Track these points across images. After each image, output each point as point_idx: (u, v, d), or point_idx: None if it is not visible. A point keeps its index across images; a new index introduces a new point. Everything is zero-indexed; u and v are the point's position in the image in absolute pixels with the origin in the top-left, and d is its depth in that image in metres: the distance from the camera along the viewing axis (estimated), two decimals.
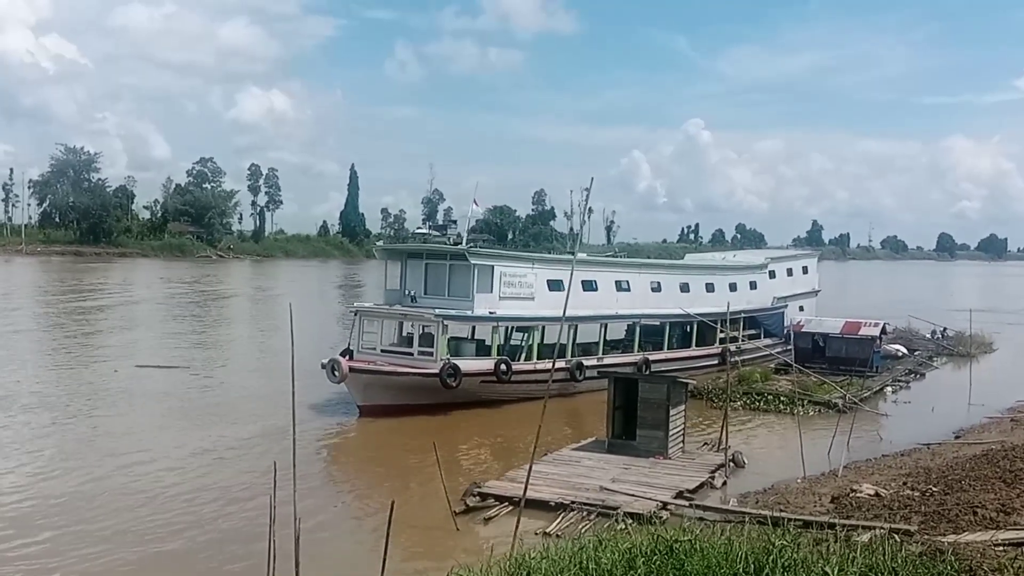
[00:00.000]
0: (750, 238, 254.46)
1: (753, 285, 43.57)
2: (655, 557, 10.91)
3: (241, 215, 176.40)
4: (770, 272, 45.53)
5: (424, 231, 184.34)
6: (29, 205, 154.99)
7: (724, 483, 21.24)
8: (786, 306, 44.70)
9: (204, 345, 46.16)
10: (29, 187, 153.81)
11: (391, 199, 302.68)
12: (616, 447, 23.25)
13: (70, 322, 53.00)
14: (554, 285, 32.52)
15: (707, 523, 15.46)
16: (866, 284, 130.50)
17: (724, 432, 23.19)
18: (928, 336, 52.22)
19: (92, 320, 54.79)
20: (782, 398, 31.85)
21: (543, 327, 33.11)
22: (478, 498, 18.98)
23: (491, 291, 30.94)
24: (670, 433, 22.95)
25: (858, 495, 18.29)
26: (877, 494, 18.30)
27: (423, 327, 30.23)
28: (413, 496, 20.09)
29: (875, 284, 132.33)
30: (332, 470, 23.62)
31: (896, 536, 13.04)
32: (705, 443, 24.82)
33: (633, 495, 19.00)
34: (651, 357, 35.12)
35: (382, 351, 30.20)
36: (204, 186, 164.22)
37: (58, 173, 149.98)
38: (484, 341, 31.92)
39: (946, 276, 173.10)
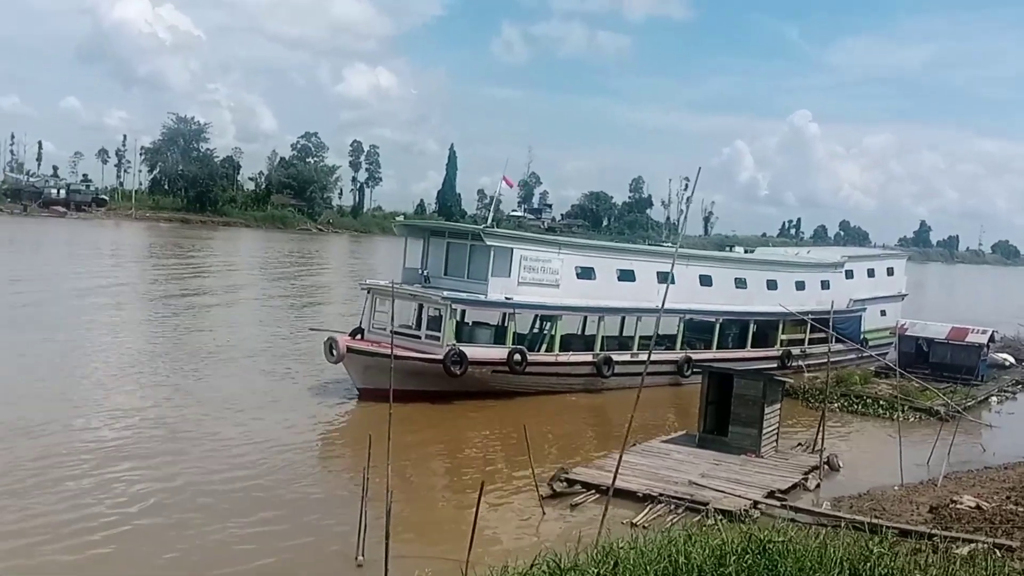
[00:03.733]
0: (854, 236, 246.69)
1: (825, 284, 40.36)
2: (747, 556, 10.74)
3: (341, 190, 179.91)
4: (847, 272, 42.37)
5: (519, 214, 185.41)
6: (140, 171, 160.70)
7: (817, 485, 20.80)
8: (864, 309, 41.75)
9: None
10: (141, 154, 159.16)
11: (488, 180, 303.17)
12: (707, 442, 22.96)
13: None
14: (584, 273, 30.74)
15: (799, 525, 15.16)
16: (974, 289, 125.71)
17: (820, 433, 22.69)
18: None
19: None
20: (881, 402, 31.00)
21: (583, 318, 32.07)
22: (565, 484, 19.03)
23: (509, 275, 28.76)
24: (764, 431, 22.56)
25: (958, 506, 17.79)
26: (978, 507, 17.78)
27: (433, 309, 28.71)
28: (500, 478, 20.24)
29: (984, 289, 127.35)
30: (423, 448, 23.76)
31: (998, 551, 12.63)
32: (799, 444, 24.31)
33: (723, 491, 18.77)
34: (695, 356, 32.72)
35: (393, 332, 28.04)
36: (307, 160, 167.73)
37: (169, 141, 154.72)
38: (506, 328, 30.11)
39: None
